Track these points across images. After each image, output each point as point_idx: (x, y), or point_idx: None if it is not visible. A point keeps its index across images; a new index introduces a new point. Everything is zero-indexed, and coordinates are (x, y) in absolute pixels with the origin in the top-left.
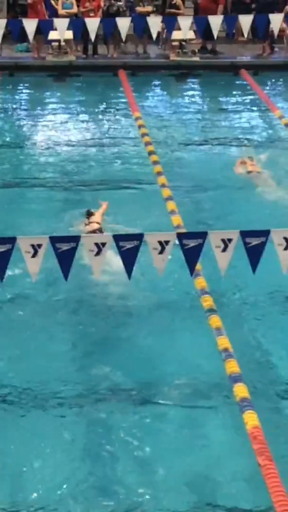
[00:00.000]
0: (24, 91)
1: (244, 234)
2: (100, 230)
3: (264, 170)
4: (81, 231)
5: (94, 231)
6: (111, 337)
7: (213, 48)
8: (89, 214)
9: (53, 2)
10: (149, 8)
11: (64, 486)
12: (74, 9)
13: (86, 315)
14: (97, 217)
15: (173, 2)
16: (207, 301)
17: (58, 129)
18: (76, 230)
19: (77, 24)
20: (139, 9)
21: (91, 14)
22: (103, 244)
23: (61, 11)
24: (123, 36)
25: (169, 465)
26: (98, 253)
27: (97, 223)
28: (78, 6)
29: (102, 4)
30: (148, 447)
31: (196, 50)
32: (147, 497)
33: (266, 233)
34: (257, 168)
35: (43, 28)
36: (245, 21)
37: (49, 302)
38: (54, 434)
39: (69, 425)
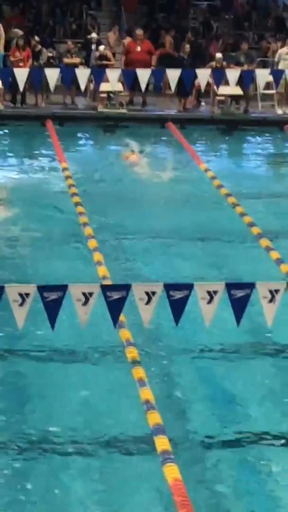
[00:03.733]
0: None
1: (168, 287)
2: None
3: (142, 159)
4: None
5: None
6: (32, 388)
7: (144, 100)
8: None
9: None
10: (76, 60)
11: None
12: None
13: (6, 364)
14: None
15: (104, 55)
16: (131, 353)
17: None
18: None
19: (5, 74)
20: (67, 60)
21: (21, 64)
22: (27, 295)
23: None
24: (52, 87)
25: None
26: (22, 304)
27: None
28: (8, 55)
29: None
30: (66, 501)
31: (124, 102)
32: None
33: (189, 287)
34: (136, 158)
35: None
36: (173, 75)
37: None
38: None
39: None
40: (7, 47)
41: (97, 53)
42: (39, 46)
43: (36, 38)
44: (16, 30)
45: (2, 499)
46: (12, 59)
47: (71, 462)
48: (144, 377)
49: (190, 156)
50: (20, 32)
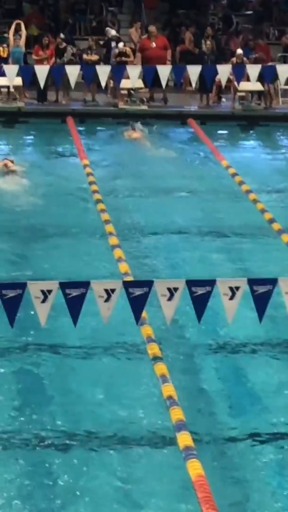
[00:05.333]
0: None
1: (190, 283)
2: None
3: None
4: None
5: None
6: (54, 384)
7: (164, 96)
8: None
9: (0, 48)
10: (95, 57)
11: None
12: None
13: (31, 360)
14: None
15: (123, 51)
16: (153, 349)
17: (3, 176)
18: None
19: (26, 71)
20: (86, 57)
21: (44, 63)
22: (49, 292)
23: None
24: (72, 84)
25: None
26: (44, 301)
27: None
28: (30, 53)
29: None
30: (87, 496)
31: (145, 99)
32: None
33: (211, 283)
34: (139, 134)
35: None
36: (193, 71)
37: None
38: None
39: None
40: (27, 44)
41: (117, 50)
42: (64, 44)
43: (61, 35)
44: (107, 28)
45: (24, 492)
46: (35, 57)
47: (93, 457)
48: (166, 373)
49: (211, 153)
50: (113, 32)
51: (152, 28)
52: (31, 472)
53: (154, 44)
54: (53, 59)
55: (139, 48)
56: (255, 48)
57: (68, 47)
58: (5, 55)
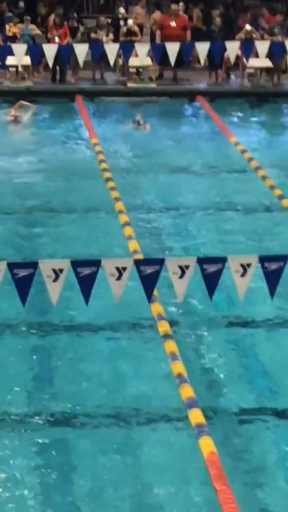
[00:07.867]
0: None
1: (201, 261)
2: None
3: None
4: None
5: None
6: (66, 362)
7: (175, 75)
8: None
9: (7, 27)
10: (100, 35)
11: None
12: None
13: (40, 337)
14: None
15: (131, 30)
16: (163, 327)
17: (14, 155)
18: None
19: (35, 50)
20: (94, 35)
21: (58, 41)
22: (61, 271)
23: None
24: (81, 62)
25: (121, 491)
26: (55, 279)
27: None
28: (45, 32)
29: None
30: (98, 472)
31: (154, 77)
32: None
33: (223, 260)
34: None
35: (0, 54)
36: (202, 48)
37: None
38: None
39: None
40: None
41: (124, 29)
42: (76, 23)
43: (75, 14)
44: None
45: (35, 468)
46: (49, 36)
47: (102, 435)
48: (176, 351)
49: (220, 130)
50: (121, 10)
51: (174, 6)
52: (40, 449)
53: (174, 23)
54: (67, 38)
55: (158, 25)
56: None
57: (79, 26)
58: (10, 34)
